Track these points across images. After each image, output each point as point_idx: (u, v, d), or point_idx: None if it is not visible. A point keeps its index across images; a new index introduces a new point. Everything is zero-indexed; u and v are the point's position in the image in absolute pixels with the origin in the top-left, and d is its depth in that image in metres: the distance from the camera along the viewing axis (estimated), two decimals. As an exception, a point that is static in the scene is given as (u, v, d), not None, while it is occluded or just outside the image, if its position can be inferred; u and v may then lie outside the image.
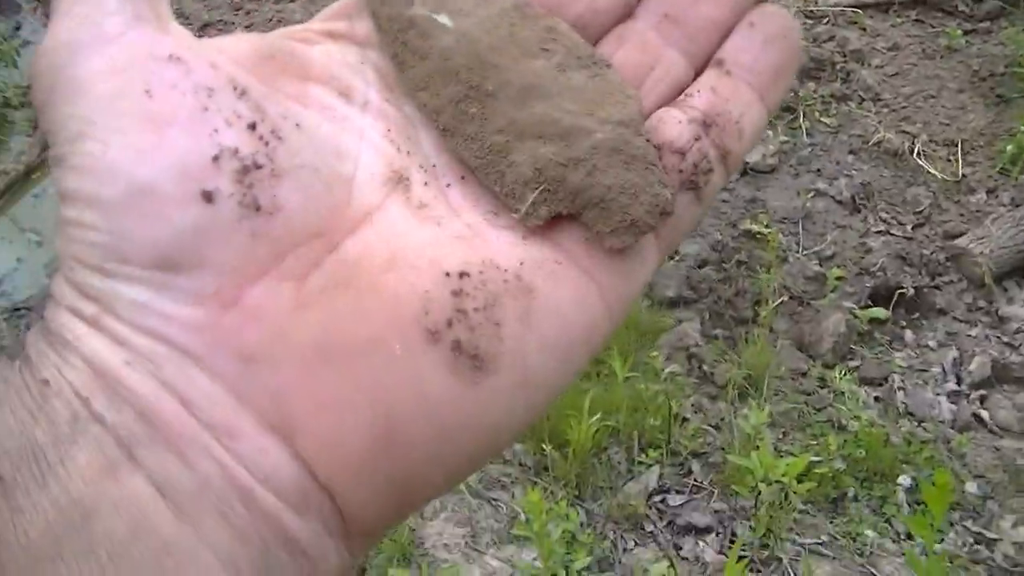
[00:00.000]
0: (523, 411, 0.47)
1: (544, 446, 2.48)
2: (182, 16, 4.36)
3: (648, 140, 0.50)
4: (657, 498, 2.46)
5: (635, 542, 2.36)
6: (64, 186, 0.42)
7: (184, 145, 0.42)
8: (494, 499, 2.47)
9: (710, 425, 2.61)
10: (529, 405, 0.47)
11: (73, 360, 0.41)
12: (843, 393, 2.69)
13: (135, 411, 0.41)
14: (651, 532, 2.38)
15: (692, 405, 2.67)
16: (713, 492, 2.45)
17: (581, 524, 2.34)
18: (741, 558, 2.16)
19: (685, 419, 2.62)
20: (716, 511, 2.41)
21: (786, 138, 3.58)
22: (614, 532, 2.38)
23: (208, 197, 0.42)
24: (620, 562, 2.31)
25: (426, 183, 0.49)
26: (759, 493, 2.30)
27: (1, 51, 4.35)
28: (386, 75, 0.51)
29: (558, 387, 0.48)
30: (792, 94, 3.71)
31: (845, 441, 2.51)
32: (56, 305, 0.43)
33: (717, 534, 2.36)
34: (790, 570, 2.25)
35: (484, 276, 0.45)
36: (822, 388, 2.73)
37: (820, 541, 2.32)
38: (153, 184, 0.41)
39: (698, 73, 0.55)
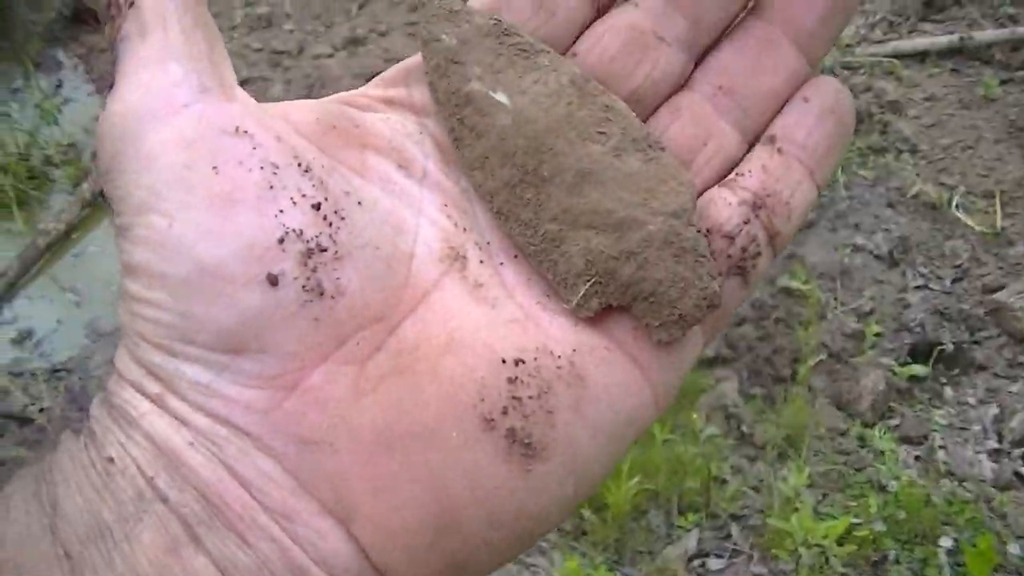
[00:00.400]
0: (572, 495, 0.47)
1: (583, 510, 2.48)
2: (223, 72, 4.40)
3: (699, 231, 0.50)
4: (696, 562, 2.44)
5: (674, 608, 2.36)
6: (129, 259, 0.44)
7: (251, 226, 0.43)
8: (532, 565, 2.46)
9: (749, 487, 2.60)
10: (578, 489, 0.47)
11: (137, 438, 0.43)
12: (883, 452, 2.66)
13: (197, 491, 0.42)
14: (690, 598, 2.37)
15: (731, 467, 2.65)
16: (753, 556, 2.44)
17: (620, 590, 2.34)
18: (781, 625, 2.15)
19: (724, 481, 2.61)
20: (756, 575, 2.39)
21: (823, 192, 3.56)
22: (653, 598, 2.38)
23: (273, 281, 0.43)
24: (660, 628, 2.30)
25: (481, 261, 0.49)
26: (799, 557, 2.29)
27: (43, 109, 4.39)
28: (444, 146, 0.52)
29: (605, 471, 0.49)
30: (829, 146, 3.70)
31: (885, 502, 2.49)
32: (120, 379, 0.44)
33: (757, 599, 2.35)
34: (830, 635, 2.23)
35: (538, 363, 0.46)
36: (862, 447, 2.71)
37: (860, 606, 2.31)
38: (220, 265, 0.42)
39: (751, 145, 0.55)
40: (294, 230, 0.44)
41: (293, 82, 4.28)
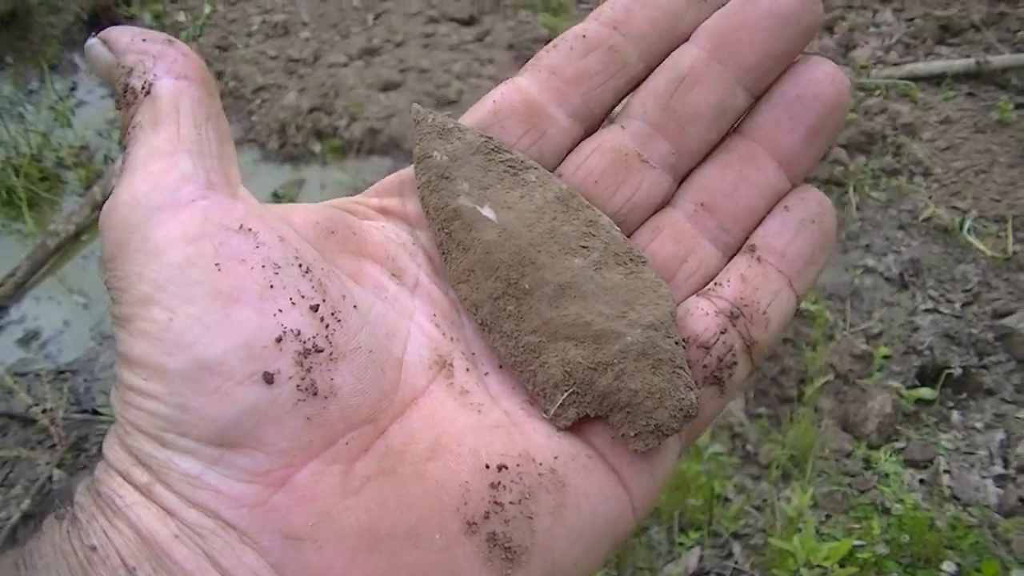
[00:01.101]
0: None
1: (584, 526, 2.46)
2: (237, 78, 4.42)
3: (677, 342, 0.52)
4: (697, 581, 2.44)
5: (674, 625, 2.35)
6: (127, 349, 0.44)
7: (250, 324, 0.44)
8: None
9: (753, 506, 2.59)
10: None
11: (121, 527, 0.43)
12: (888, 475, 2.65)
13: None
14: (690, 616, 2.36)
15: (735, 485, 2.65)
16: (754, 575, 2.43)
17: (620, 606, 2.33)
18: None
19: (727, 499, 2.60)
20: (756, 595, 2.39)
21: (835, 213, 3.56)
22: (654, 615, 2.37)
23: (269, 379, 0.44)
24: (657, 646, 2.29)
25: (468, 369, 0.51)
26: (800, 578, 2.29)
27: (56, 111, 4.42)
28: (436, 258, 0.54)
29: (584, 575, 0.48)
30: (842, 168, 3.70)
31: (889, 525, 2.48)
32: (108, 468, 0.45)
33: (756, 619, 2.34)
34: (830, 659, 2.22)
35: (521, 470, 0.47)
36: (866, 470, 2.70)
37: (861, 629, 2.29)
38: (218, 361, 0.43)
39: (731, 259, 0.57)
40: (292, 330, 0.45)
41: (307, 90, 4.29)
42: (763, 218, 0.57)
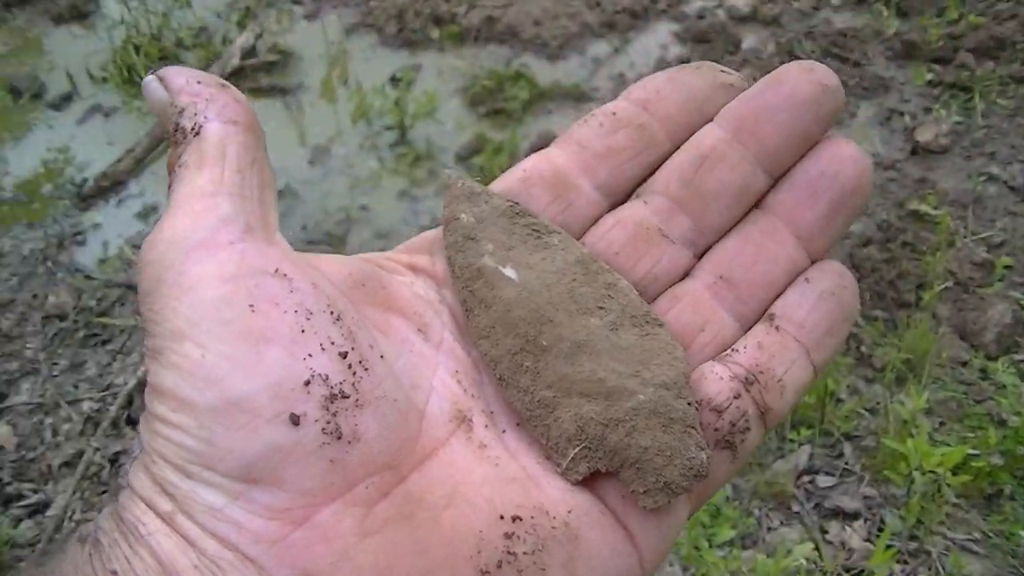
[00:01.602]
0: None
1: (696, 413, 2.44)
2: None
3: (690, 403, 0.53)
4: (806, 478, 2.42)
5: (780, 521, 2.33)
6: (158, 381, 0.45)
7: (281, 365, 0.45)
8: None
9: (865, 408, 2.55)
10: None
11: (143, 554, 0.43)
12: (1005, 386, 2.59)
13: None
14: (797, 512, 2.34)
15: (848, 386, 2.61)
16: (864, 477, 2.40)
17: (726, 497, 2.32)
18: (888, 547, 2.11)
19: (840, 400, 2.57)
20: (866, 497, 2.36)
21: (960, 119, 3.47)
22: (759, 509, 2.35)
23: (295, 420, 0.45)
24: (764, 540, 2.27)
25: (486, 426, 0.52)
26: (912, 482, 2.25)
27: (180, -8, 4.45)
28: (459, 317, 0.56)
29: None
30: (968, 73, 3.60)
31: (1004, 436, 2.42)
32: (132, 494, 0.45)
33: (865, 520, 2.31)
34: (939, 565, 2.18)
35: (535, 522, 0.48)
36: (983, 380, 2.64)
37: (972, 538, 2.25)
38: (247, 399, 0.44)
39: (748, 328, 0.58)
40: (320, 374, 0.46)
41: None
42: (782, 291, 0.57)
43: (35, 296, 3.52)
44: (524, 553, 0.47)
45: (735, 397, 0.54)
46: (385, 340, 0.51)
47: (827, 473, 2.42)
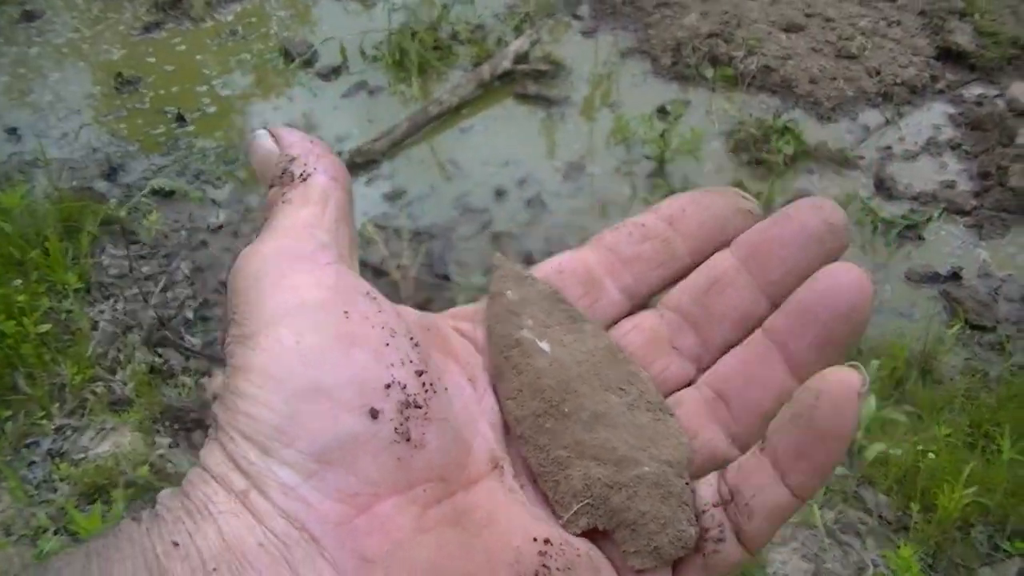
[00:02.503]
0: None
1: (912, 504, 2.41)
2: None
3: (687, 483, 0.57)
4: (1013, 593, 2.35)
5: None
6: (245, 361, 0.49)
7: (367, 365, 0.50)
8: (846, 543, 2.42)
9: (1085, 533, 2.46)
10: None
11: (208, 531, 0.46)
12: None
13: None
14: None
15: (1077, 505, 2.52)
16: (1075, 607, 2.32)
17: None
18: None
19: (1066, 517, 2.49)
20: (1072, 625, 2.28)
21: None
22: (959, 615, 2.30)
23: (374, 415, 0.49)
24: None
25: (514, 475, 0.57)
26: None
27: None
28: (492, 380, 0.60)
29: None
30: None
31: None
32: (203, 473, 0.49)
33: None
34: None
35: (563, 548, 0.52)
36: None
37: None
38: (334, 387, 0.48)
39: (741, 446, 0.60)
40: (399, 382, 0.50)
41: (710, 15, 4.26)
42: (772, 414, 0.58)
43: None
44: (557, 569, 0.51)
45: (714, 505, 0.56)
46: (447, 377, 0.55)
47: (1035, 592, 2.34)
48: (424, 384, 0.51)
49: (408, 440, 0.50)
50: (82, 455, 2.78)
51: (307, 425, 0.47)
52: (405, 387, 0.50)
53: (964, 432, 2.68)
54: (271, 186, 0.56)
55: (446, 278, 3.47)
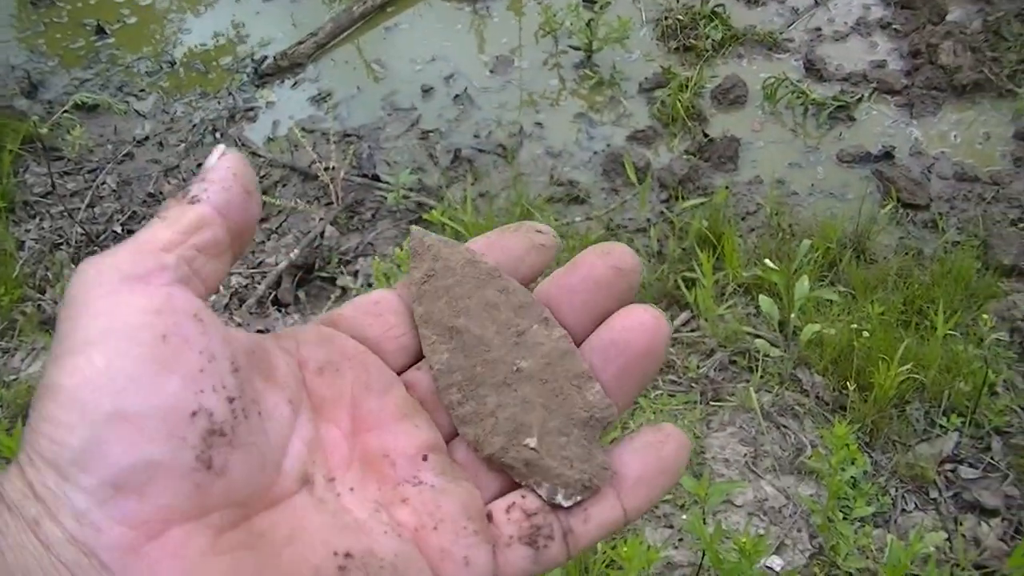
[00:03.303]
0: None
1: (848, 384, 2.40)
2: None
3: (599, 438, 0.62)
4: (948, 466, 2.36)
5: (916, 505, 2.28)
6: (55, 380, 0.48)
7: (174, 393, 0.49)
8: (783, 425, 2.42)
9: (1020, 406, 2.47)
10: None
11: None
12: None
13: None
14: (934, 499, 2.29)
15: (1005, 380, 2.53)
16: (1008, 475, 2.33)
17: (865, 472, 2.26)
18: (1026, 551, 2.04)
19: (995, 392, 2.49)
20: (1007, 496, 2.28)
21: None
22: (896, 489, 2.30)
23: (175, 442, 0.48)
24: (896, 521, 2.23)
25: (326, 487, 0.57)
26: (1060, 488, 2.18)
27: None
28: (314, 398, 0.60)
29: None
30: None
31: None
32: (1, 500, 0.47)
33: (1003, 519, 2.24)
34: (1074, 576, 2.11)
35: (365, 560, 0.54)
36: None
37: (1114, 555, 2.17)
38: (137, 414, 0.47)
39: None
40: (207, 410, 0.50)
41: None
42: None
43: (199, 165, 3.56)
44: None
45: (544, 509, 0.60)
46: (264, 402, 0.55)
47: (971, 465, 2.36)
48: (234, 411, 0.51)
49: (209, 468, 0.49)
50: (14, 376, 2.76)
51: (107, 451, 0.46)
52: (212, 415, 0.50)
53: (898, 310, 2.68)
54: (164, 201, 0.55)
55: (376, 178, 3.42)
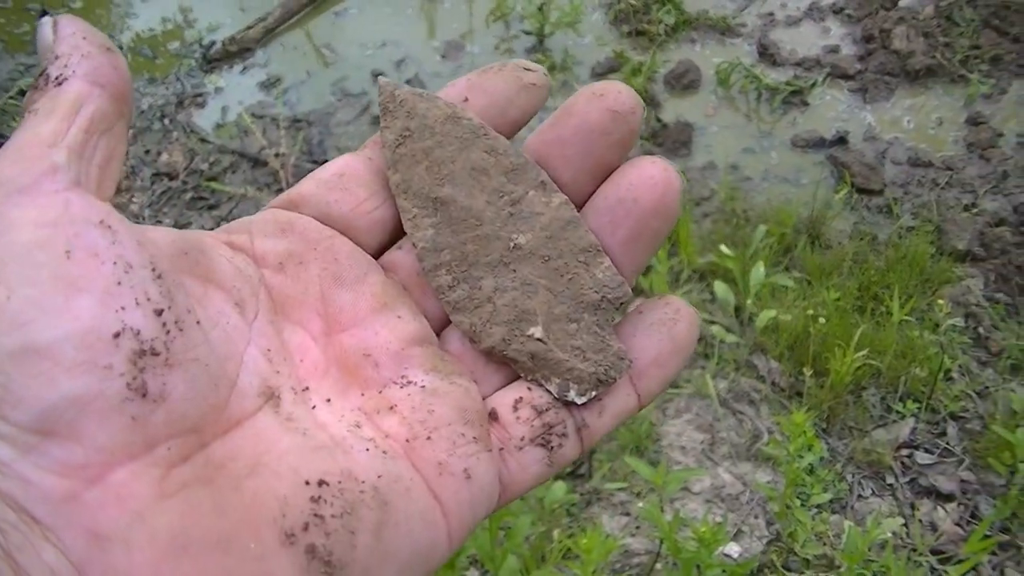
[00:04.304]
0: None
1: (804, 370, 2.39)
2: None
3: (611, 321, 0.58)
4: (905, 451, 2.36)
5: (872, 491, 2.27)
6: None
7: (90, 314, 0.43)
8: (740, 412, 2.41)
9: (975, 391, 2.47)
10: None
11: None
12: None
13: None
14: (891, 485, 2.29)
15: (961, 366, 2.53)
16: (964, 460, 2.33)
17: (821, 459, 2.26)
18: (985, 537, 2.04)
19: (951, 378, 2.50)
20: (963, 480, 2.29)
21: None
22: (853, 475, 2.30)
23: (100, 372, 0.42)
24: (853, 507, 2.22)
25: (294, 401, 0.51)
26: (1014, 473, 2.17)
27: None
28: (276, 298, 0.55)
29: None
30: None
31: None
32: None
33: (959, 504, 2.24)
34: (1031, 563, 2.12)
35: (343, 486, 0.48)
36: (1104, 378, 2.55)
37: (1069, 541, 2.18)
38: (50, 346, 0.41)
39: None
40: (132, 328, 0.44)
41: None
42: None
43: (147, 152, 3.54)
44: (332, 516, 0.47)
45: (556, 403, 0.56)
46: (202, 309, 0.49)
47: (927, 450, 2.36)
48: (165, 325, 0.45)
49: (144, 395, 0.43)
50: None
51: (21, 392, 0.41)
52: (139, 333, 0.44)
53: (853, 296, 2.68)
54: (29, 93, 0.49)
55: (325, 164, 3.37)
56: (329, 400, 0.53)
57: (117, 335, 0.43)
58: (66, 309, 0.42)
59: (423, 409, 0.52)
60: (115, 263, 0.44)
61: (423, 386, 0.54)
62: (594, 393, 0.55)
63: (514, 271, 0.56)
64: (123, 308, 0.43)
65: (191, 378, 0.45)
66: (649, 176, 0.56)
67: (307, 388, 0.53)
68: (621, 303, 0.57)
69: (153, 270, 0.46)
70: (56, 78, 0.48)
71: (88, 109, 0.47)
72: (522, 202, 0.57)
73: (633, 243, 0.57)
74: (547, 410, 0.55)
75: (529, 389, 0.56)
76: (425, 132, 0.57)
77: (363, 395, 0.53)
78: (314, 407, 0.52)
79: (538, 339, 0.55)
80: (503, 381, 0.57)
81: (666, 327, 0.58)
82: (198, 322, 0.47)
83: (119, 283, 0.44)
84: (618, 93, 0.56)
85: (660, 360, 0.58)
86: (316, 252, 0.55)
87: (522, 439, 0.55)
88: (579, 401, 0.55)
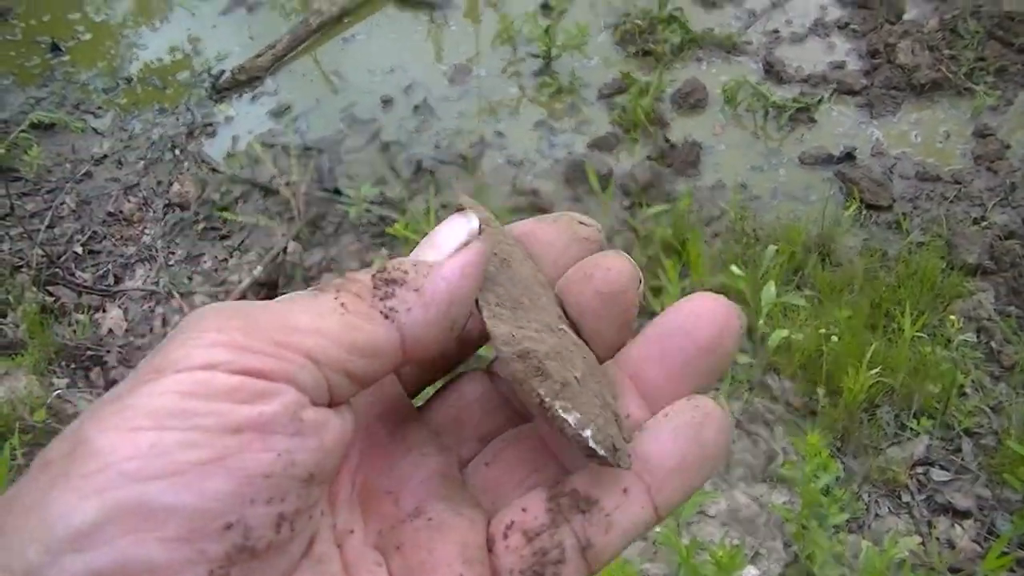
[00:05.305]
0: None
1: (818, 389, 2.39)
2: None
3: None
4: (920, 469, 2.36)
5: (889, 509, 2.28)
6: (101, 425, 0.41)
7: (217, 496, 0.41)
8: (754, 433, 2.41)
9: (990, 406, 2.47)
10: None
11: None
12: None
13: None
14: (907, 503, 2.29)
15: (974, 381, 2.53)
16: (979, 476, 2.33)
17: (837, 478, 2.26)
18: (1003, 554, 2.04)
19: (965, 393, 2.50)
20: (979, 497, 2.29)
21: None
22: (869, 495, 2.29)
23: (189, 553, 0.40)
24: (870, 527, 2.22)
25: (327, 538, 0.48)
26: (1031, 488, 2.18)
27: None
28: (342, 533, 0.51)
29: None
30: None
31: None
32: None
33: (976, 521, 2.24)
34: (1048, 577, 2.12)
35: None
36: (1117, 392, 2.55)
37: (1087, 555, 2.18)
38: (159, 510, 0.39)
39: None
40: (246, 524, 0.41)
41: None
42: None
43: (159, 183, 3.55)
44: None
45: (552, 523, 0.51)
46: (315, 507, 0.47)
47: (943, 467, 2.36)
48: (279, 528, 0.43)
49: None
50: (-26, 400, 2.69)
51: (109, 540, 0.38)
52: (250, 531, 0.41)
53: (865, 313, 2.68)
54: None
55: (336, 192, 3.39)
56: (352, 532, 0.51)
57: (229, 527, 0.41)
58: (200, 480, 0.40)
59: (424, 549, 0.50)
60: (279, 455, 0.42)
61: (430, 519, 0.51)
62: (603, 454, 0.50)
63: (558, 338, 0.54)
64: (252, 502, 0.41)
65: (269, 568, 0.43)
66: (707, 309, 0.54)
67: (335, 524, 0.50)
68: (619, 461, 0.52)
69: (310, 473, 0.44)
70: (387, 307, 0.48)
71: (369, 363, 0.47)
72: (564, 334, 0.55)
73: (681, 378, 0.54)
74: (539, 535, 0.51)
75: (523, 510, 0.52)
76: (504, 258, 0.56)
77: (380, 531, 0.51)
78: (339, 546, 0.50)
79: (576, 377, 0.51)
80: (521, 492, 0.54)
81: (693, 430, 0.52)
82: (310, 517, 0.46)
83: (267, 476, 0.42)
84: (607, 271, 0.55)
85: (684, 467, 0.52)
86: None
87: (511, 572, 0.50)
88: (592, 446, 0.49)
